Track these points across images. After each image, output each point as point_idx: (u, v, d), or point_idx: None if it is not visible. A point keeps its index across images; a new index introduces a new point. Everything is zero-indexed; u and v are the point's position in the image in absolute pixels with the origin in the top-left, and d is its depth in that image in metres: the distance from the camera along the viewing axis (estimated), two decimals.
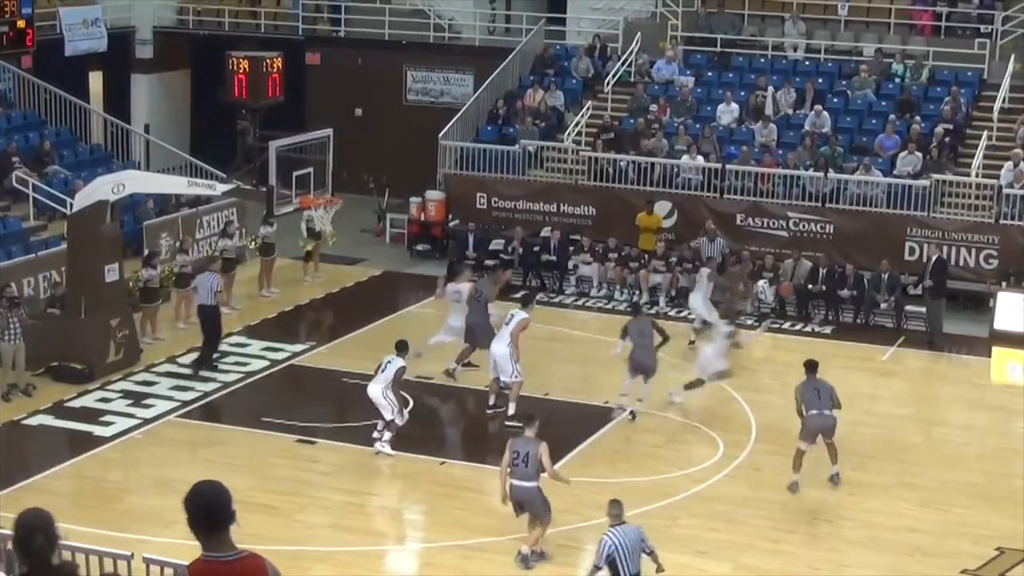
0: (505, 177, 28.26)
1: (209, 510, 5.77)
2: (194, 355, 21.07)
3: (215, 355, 21.10)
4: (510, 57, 30.83)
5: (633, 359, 19.19)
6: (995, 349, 23.33)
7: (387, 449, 17.57)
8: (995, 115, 27.30)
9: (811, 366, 17.07)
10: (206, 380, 20.45)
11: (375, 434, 17.84)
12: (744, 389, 20.55)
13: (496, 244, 26.87)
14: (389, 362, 17.52)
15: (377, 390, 17.44)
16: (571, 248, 26.50)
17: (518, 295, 23.15)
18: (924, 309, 23.87)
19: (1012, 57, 28.37)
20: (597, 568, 12.59)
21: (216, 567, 5.77)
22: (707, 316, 22.27)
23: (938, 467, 18.05)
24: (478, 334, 20.33)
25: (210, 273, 21.40)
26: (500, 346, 18.90)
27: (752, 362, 22.44)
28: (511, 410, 18.69)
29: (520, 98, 29.99)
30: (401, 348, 17.78)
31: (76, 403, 19.50)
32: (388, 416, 17.47)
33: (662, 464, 17.77)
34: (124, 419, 18.86)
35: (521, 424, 15.53)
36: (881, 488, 17.16)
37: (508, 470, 14.30)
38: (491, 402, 19.29)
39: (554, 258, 26.35)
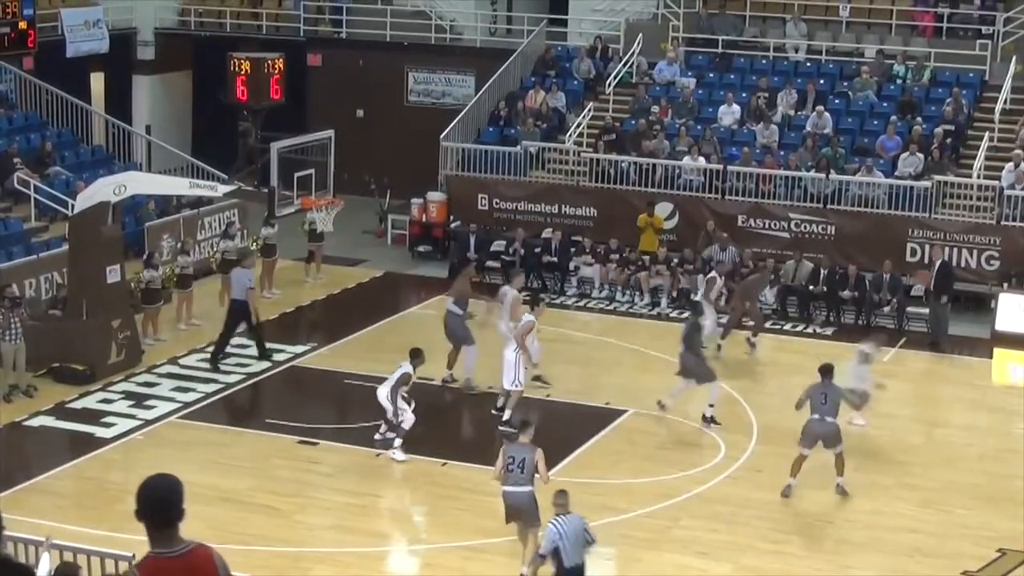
0: (506, 178, 28.25)
1: (161, 504, 5.72)
2: (249, 351, 21.43)
3: (220, 355, 21.18)
4: (511, 58, 30.81)
5: (680, 359, 19.22)
6: (996, 350, 23.34)
7: (398, 456, 17.56)
8: (996, 116, 27.27)
9: (826, 370, 16.89)
10: (207, 381, 20.48)
11: (376, 436, 17.88)
12: (746, 390, 20.57)
13: (497, 245, 26.86)
14: (399, 366, 17.68)
15: (383, 392, 17.64)
16: (572, 249, 26.50)
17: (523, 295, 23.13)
18: (927, 311, 23.88)
19: (1013, 58, 28.37)
20: (542, 558, 12.61)
21: (165, 563, 5.73)
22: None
23: (939, 468, 18.05)
24: (452, 333, 20.37)
25: (243, 269, 21.55)
26: (508, 351, 18.93)
27: (754, 363, 22.47)
28: (506, 415, 18.71)
29: (521, 99, 29.96)
30: (414, 356, 17.82)
31: (77, 404, 19.50)
32: (388, 417, 17.57)
33: (663, 465, 17.75)
34: (125, 420, 18.87)
35: (513, 428, 15.46)
36: (882, 489, 17.15)
37: (502, 475, 14.19)
38: (499, 404, 19.27)
39: (555, 259, 26.33)
